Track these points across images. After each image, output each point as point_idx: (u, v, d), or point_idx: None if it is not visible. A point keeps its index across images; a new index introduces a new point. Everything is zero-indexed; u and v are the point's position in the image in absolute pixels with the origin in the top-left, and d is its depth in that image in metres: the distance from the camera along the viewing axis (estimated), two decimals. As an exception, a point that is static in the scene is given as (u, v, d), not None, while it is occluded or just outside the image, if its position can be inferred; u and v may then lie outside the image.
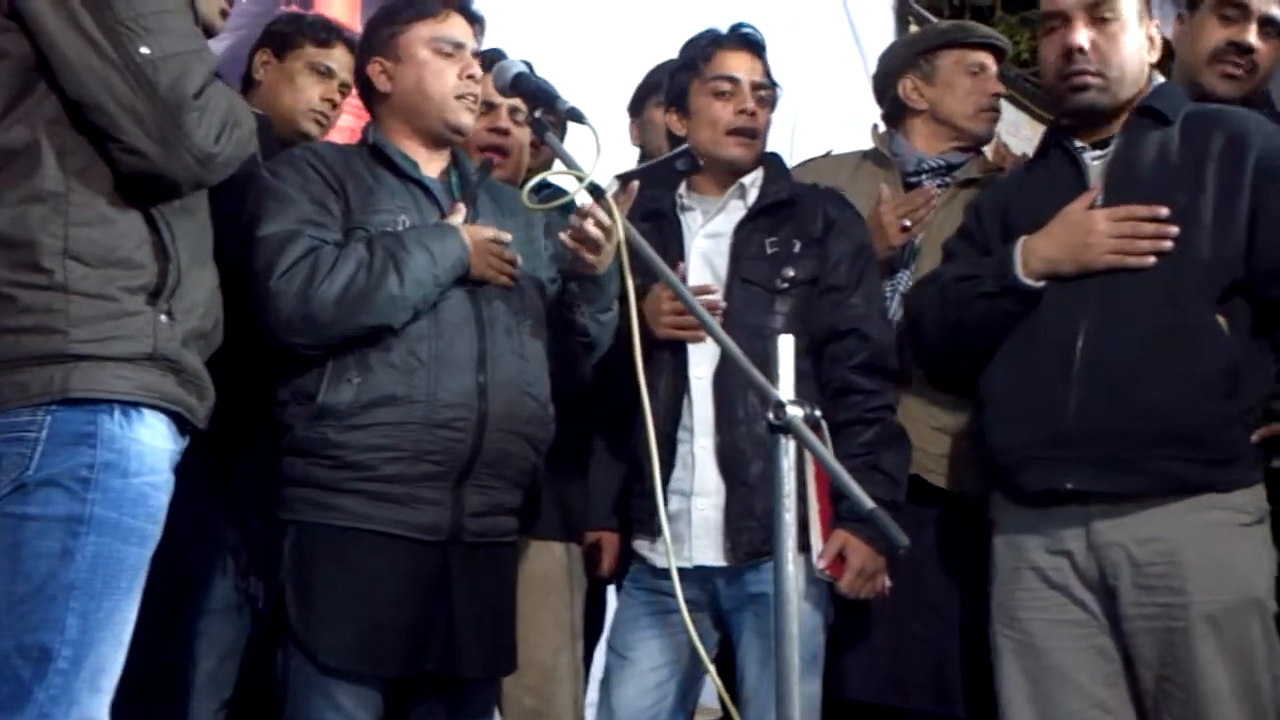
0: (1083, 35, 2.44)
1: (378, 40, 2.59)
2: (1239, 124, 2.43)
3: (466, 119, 2.55)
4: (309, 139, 2.96)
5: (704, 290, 2.64)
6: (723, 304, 2.64)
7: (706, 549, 2.60)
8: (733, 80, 2.73)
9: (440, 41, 2.52)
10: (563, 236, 2.47)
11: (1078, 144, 2.52)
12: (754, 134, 2.75)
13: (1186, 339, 2.32)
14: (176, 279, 1.93)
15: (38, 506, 1.79)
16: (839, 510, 2.57)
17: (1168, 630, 2.30)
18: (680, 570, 2.52)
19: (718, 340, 1.93)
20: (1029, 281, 2.44)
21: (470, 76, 2.54)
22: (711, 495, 2.61)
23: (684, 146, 2.80)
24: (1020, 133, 3.93)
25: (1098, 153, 2.51)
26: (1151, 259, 2.35)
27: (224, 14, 2.39)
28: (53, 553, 1.79)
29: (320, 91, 3.02)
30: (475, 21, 2.61)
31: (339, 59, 3.01)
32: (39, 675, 1.78)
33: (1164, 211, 2.35)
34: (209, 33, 2.33)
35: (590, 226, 2.42)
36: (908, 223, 2.87)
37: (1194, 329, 2.33)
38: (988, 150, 3.19)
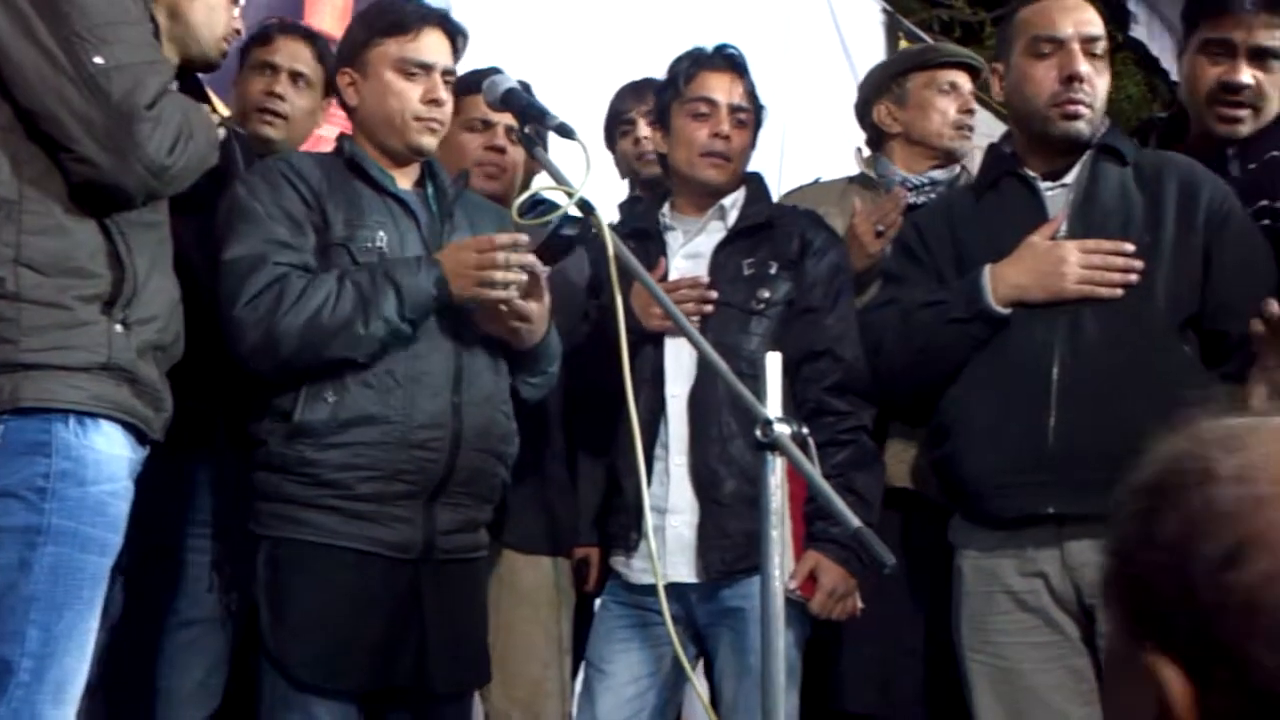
0: (1082, 64, 2.48)
1: (347, 51, 2.57)
2: (1188, 171, 2.52)
3: (428, 141, 2.53)
4: (268, 141, 2.86)
5: (696, 283, 2.65)
6: (714, 295, 2.64)
7: (680, 566, 2.60)
8: (710, 102, 2.72)
9: (406, 63, 2.49)
10: (477, 318, 2.46)
11: (1030, 174, 2.56)
12: (727, 156, 2.73)
13: (1160, 363, 2.37)
14: (133, 289, 1.90)
15: None
16: (811, 530, 2.58)
17: None
18: (654, 586, 2.54)
19: (707, 358, 1.94)
20: (999, 308, 2.47)
21: (434, 100, 2.50)
22: (685, 513, 2.62)
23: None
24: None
25: (1051, 184, 2.55)
26: (1120, 291, 2.41)
27: (224, 54, 2.37)
28: (10, 564, 1.76)
29: (261, 86, 2.88)
30: (454, 36, 2.56)
31: (284, 49, 2.89)
32: (0, 689, 1.76)
33: (1130, 247, 2.42)
34: (210, 67, 2.31)
35: (510, 321, 2.44)
36: (882, 228, 2.89)
37: (1166, 354, 2.39)
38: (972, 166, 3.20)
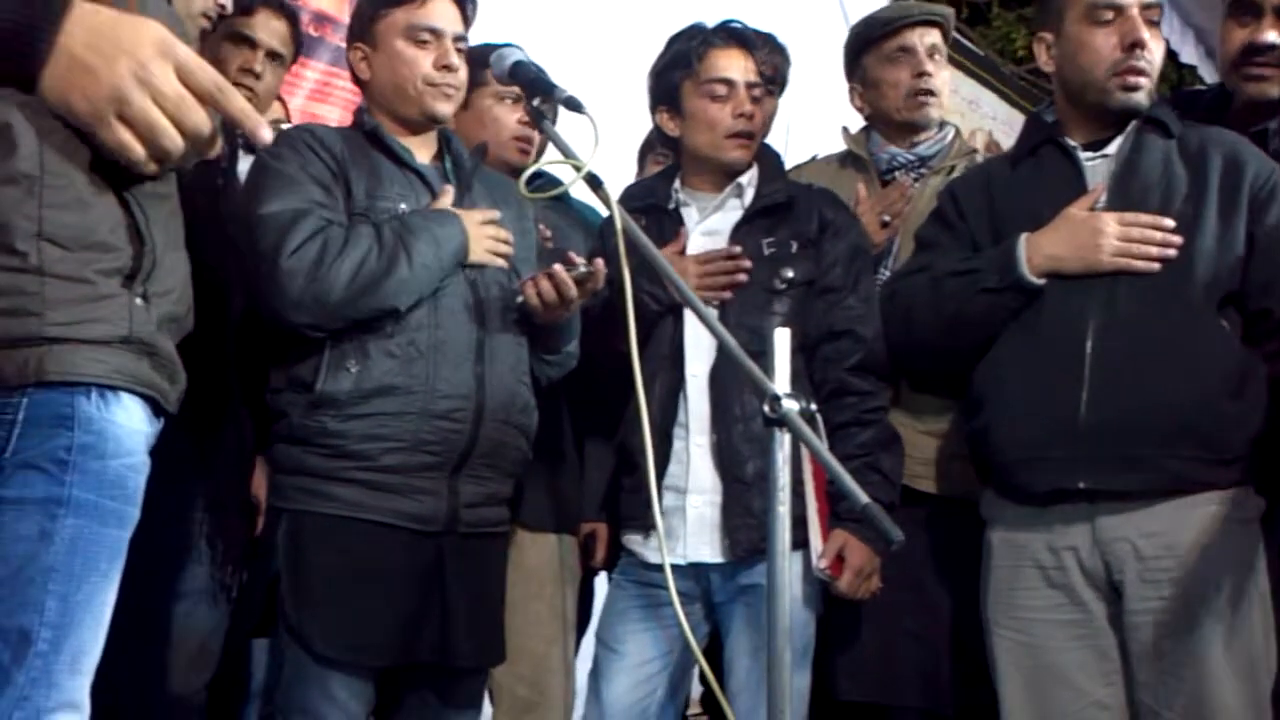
0: (1143, 33, 2.43)
1: (358, 26, 2.58)
2: (1233, 146, 2.48)
3: (443, 107, 2.53)
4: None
5: (730, 255, 2.64)
6: (748, 263, 2.63)
7: (702, 546, 2.59)
8: (728, 82, 2.70)
9: (416, 29, 2.50)
10: (528, 291, 2.46)
11: (1071, 144, 2.53)
12: (753, 136, 2.72)
13: (1196, 339, 2.35)
14: (152, 262, 1.88)
15: (15, 489, 1.74)
16: (837, 510, 2.57)
17: (1174, 623, 2.32)
18: (674, 566, 2.52)
19: (715, 333, 1.93)
20: (1033, 278, 2.44)
21: (446, 66, 2.51)
22: (707, 493, 2.60)
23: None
24: (1014, 130, 3.89)
25: (1092, 154, 2.52)
26: (1157, 265, 2.38)
27: (200, 32, 2.30)
28: (31, 535, 1.74)
29: (238, 62, 2.85)
30: (462, 3, 2.57)
31: (264, 26, 2.88)
32: (18, 658, 1.74)
33: (1169, 222, 2.39)
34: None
35: (547, 287, 2.43)
36: (887, 218, 2.87)
37: (1202, 329, 2.36)
38: (970, 137, 3.16)
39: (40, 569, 1.76)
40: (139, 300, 1.87)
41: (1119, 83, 2.45)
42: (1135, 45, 2.43)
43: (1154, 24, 2.46)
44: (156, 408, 1.96)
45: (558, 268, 2.44)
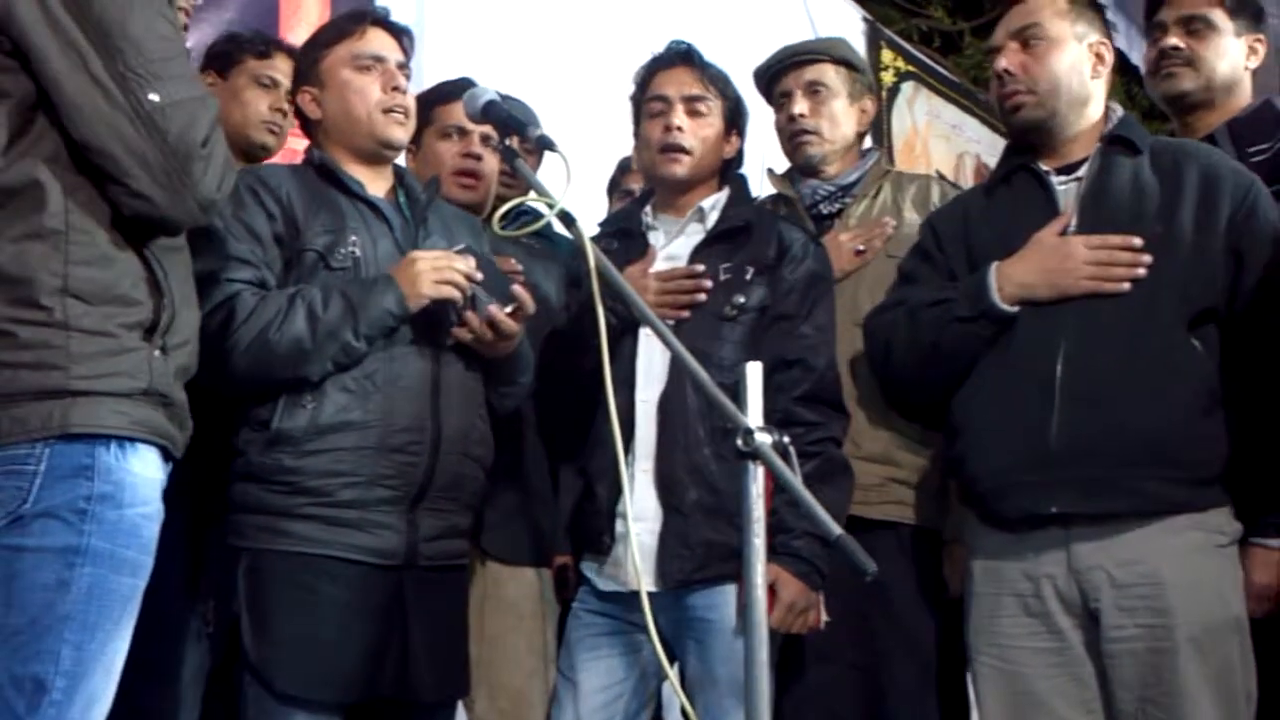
0: (1008, 60, 2.55)
1: (303, 70, 2.62)
2: (1207, 159, 2.50)
3: (396, 133, 2.55)
4: (267, 150, 2.99)
5: (692, 273, 2.65)
6: (708, 283, 2.64)
7: (644, 574, 2.53)
8: (662, 99, 2.72)
9: (359, 57, 2.54)
10: (457, 332, 2.46)
11: (1043, 168, 2.56)
12: (682, 148, 2.70)
13: (1165, 359, 2.36)
14: (170, 315, 1.93)
15: (34, 538, 1.78)
16: (771, 544, 2.56)
17: (1151, 652, 2.32)
18: (619, 594, 2.54)
19: (686, 367, 1.94)
20: (1005, 306, 2.46)
21: (395, 88, 2.54)
22: (649, 520, 2.58)
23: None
24: (996, 153, 3.94)
25: (1064, 178, 2.56)
26: (1127, 285, 2.39)
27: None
28: (48, 584, 1.78)
29: (268, 102, 3.06)
30: (398, 34, 2.61)
31: (281, 68, 3.04)
32: (33, 707, 1.77)
33: (1138, 242, 2.40)
34: None
35: (481, 328, 2.43)
36: (861, 247, 2.87)
37: (1172, 349, 2.37)
38: (958, 162, 3.17)
39: (57, 618, 1.79)
40: (158, 353, 1.93)
41: (1003, 109, 2.61)
42: (999, 75, 2.58)
43: (1035, 42, 2.55)
44: (166, 454, 2.00)
45: (493, 308, 2.43)
